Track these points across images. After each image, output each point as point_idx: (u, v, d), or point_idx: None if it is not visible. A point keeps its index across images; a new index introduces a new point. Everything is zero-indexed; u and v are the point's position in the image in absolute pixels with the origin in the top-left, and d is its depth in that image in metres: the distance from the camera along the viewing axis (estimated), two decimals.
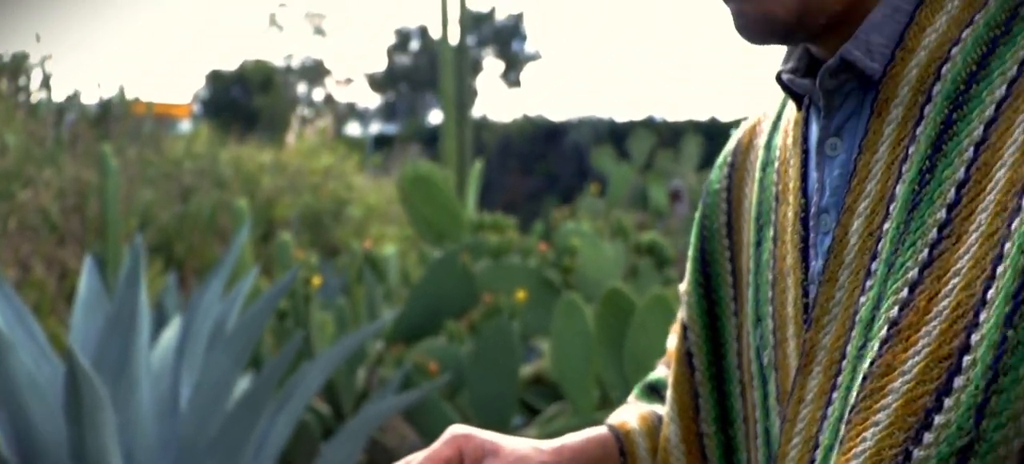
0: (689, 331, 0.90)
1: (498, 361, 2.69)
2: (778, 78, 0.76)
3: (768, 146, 0.84)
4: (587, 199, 7.23)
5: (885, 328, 0.62)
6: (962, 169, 0.62)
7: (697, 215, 0.92)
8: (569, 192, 20.75)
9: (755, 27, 0.70)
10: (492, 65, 31.51)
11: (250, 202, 6.86)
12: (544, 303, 2.84)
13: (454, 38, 6.85)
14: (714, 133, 21.05)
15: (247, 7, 48.74)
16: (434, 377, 2.79)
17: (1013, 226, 0.57)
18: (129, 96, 8.81)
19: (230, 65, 29.37)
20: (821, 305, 0.70)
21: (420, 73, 30.17)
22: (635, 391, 1.00)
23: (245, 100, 28.32)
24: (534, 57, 31.04)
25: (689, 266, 0.92)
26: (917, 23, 0.67)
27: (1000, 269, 0.57)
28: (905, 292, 0.62)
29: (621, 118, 23.84)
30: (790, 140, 0.79)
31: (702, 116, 23.66)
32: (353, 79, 33.60)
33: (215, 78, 29.64)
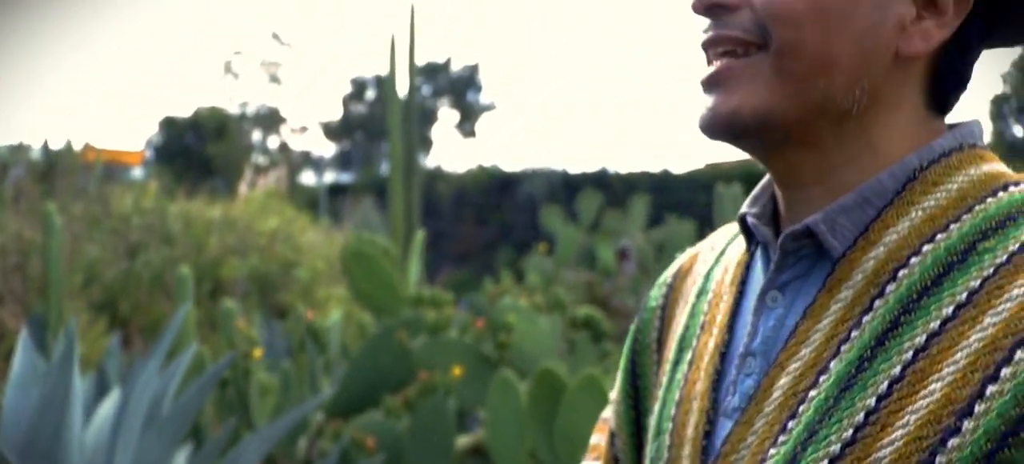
0: (616, 438, 0.96)
1: (434, 438, 2.74)
2: (742, 218, 0.83)
3: (707, 276, 0.91)
4: (535, 258, 7.32)
5: None
6: (899, 367, 0.68)
7: (632, 328, 0.99)
8: (523, 243, 20.75)
9: (719, 121, 0.75)
10: (447, 115, 31.71)
11: (197, 260, 6.83)
12: (481, 378, 2.89)
13: (403, 89, 6.92)
14: (664, 188, 21.31)
15: (202, 54, 48.57)
16: (371, 453, 2.82)
17: (949, 444, 0.63)
18: (78, 144, 8.75)
19: (184, 111, 29.10)
20: (731, 442, 0.75)
21: (375, 122, 30.26)
22: None
23: (199, 147, 28.10)
24: (489, 107, 31.33)
25: (620, 375, 0.98)
26: (882, 220, 0.74)
27: None
28: (827, 460, 0.67)
29: (574, 170, 24.02)
30: (729, 277, 0.86)
31: (655, 168, 23.90)
32: (308, 127, 33.56)
33: (169, 124, 29.41)
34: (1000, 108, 25.13)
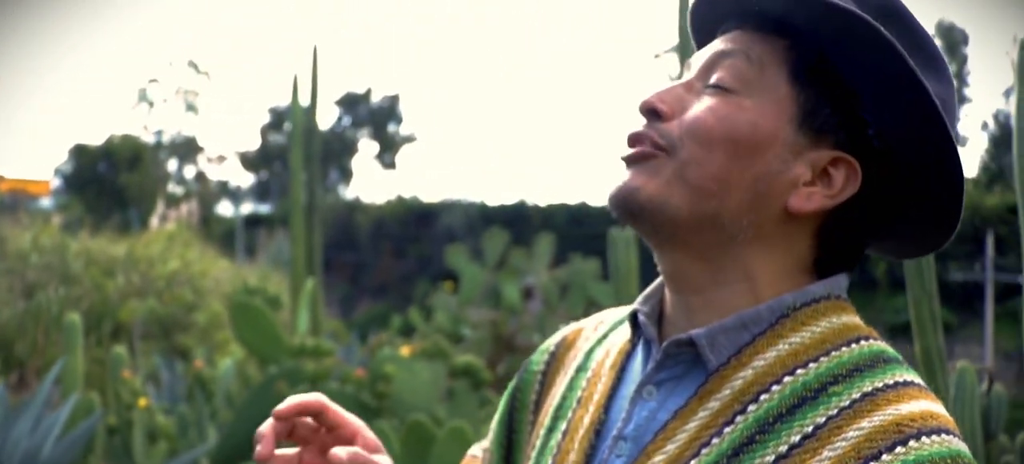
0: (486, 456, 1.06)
1: None
2: (633, 314, 0.93)
3: (588, 354, 1.01)
4: (442, 296, 7.42)
5: None
6: None
7: (511, 384, 1.07)
8: (441, 276, 20.78)
9: (620, 195, 0.87)
10: (367, 146, 31.60)
11: (97, 301, 6.77)
12: None
13: (306, 128, 6.93)
14: (581, 220, 21.58)
15: (115, 81, 47.55)
16: None
17: None
18: None
19: (95, 139, 28.31)
20: None
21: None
22: None
23: (111, 176, 27.37)
24: (409, 139, 31.30)
25: (495, 423, 1.07)
26: (755, 346, 0.84)
27: None
28: None
29: (493, 201, 24.18)
30: (609, 362, 0.96)
31: (573, 200, 24.19)
32: (226, 157, 33.10)
33: (79, 153, 28.55)
34: None
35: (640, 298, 0.95)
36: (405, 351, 3.27)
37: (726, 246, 0.86)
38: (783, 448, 0.79)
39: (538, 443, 0.98)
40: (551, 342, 1.07)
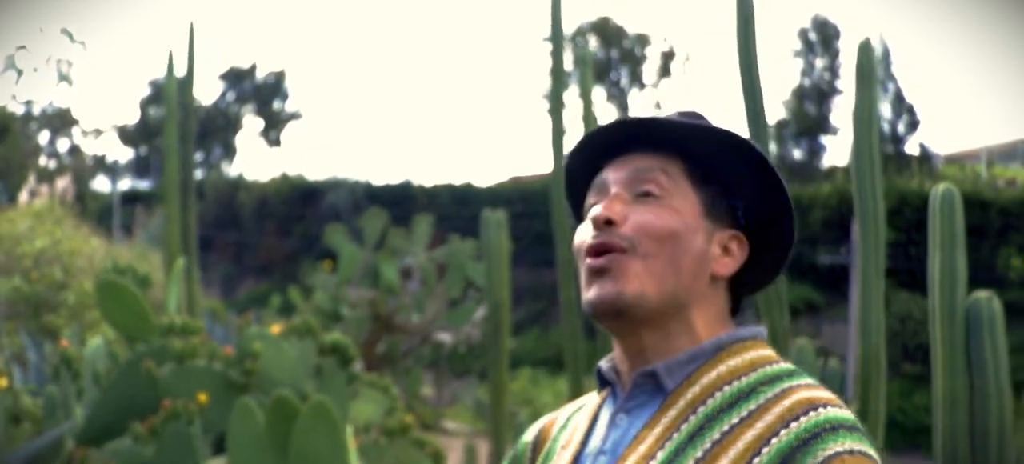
0: None
1: (178, 462, 2.89)
2: (598, 369, 1.24)
3: (570, 417, 1.31)
4: (320, 275, 7.45)
5: None
6: (700, 451, 1.09)
7: (509, 457, 1.38)
8: (326, 255, 20.58)
9: (607, 300, 1.14)
10: (252, 122, 30.97)
11: None
12: (229, 404, 3.06)
13: (173, 96, 6.84)
14: (466, 201, 21.68)
15: None
16: None
17: None
18: None
19: None
20: None
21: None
22: None
23: None
24: (295, 116, 30.81)
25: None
26: (700, 371, 1.15)
27: None
28: None
29: (378, 181, 24.00)
30: (584, 412, 1.26)
31: (457, 181, 24.27)
32: (103, 131, 31.95)
33: None
34: (781, 132, 27.05)
35: (603, 361, 1.25)
36: (275, 329, 3.35)
37: (679, 313, 1.17)
38: (726, 427, 1.10)
39: None
40: (540, 422, 1.38)
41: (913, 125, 24.84)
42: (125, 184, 30.06)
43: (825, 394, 1.12)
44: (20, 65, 29.32)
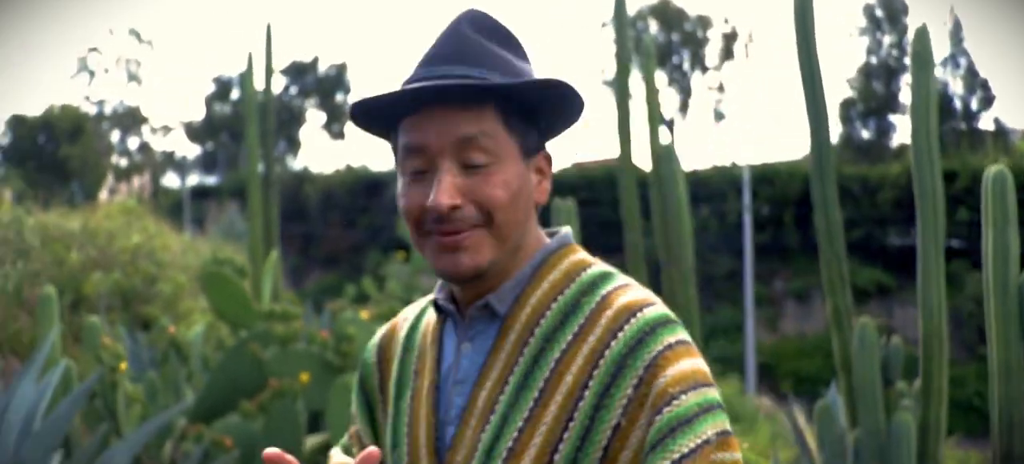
0: (359, 427, 1.43)
1: (284, 436, 3.20)
2: (435, 303, 1.32)
3: (408, 338, 1.38)
4: (394, 265, 7.75)
5: (504, 452, 1.19)
6: (547, 371, 1.20)
7: (356, 379, 1.47)
8: (391, 246, 20.82)
9: (465, 272, 1.20)
10: (314, 116, 31.56)
11: (57, 274, 7.02)
12: (327, 383, 3.37)
13: (261, 87, 7.15)
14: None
15: (54, 50, 46.67)
16: (230, 451, 3.26)
17: (579, 405, 1.17)
18: None
19: (34, 110, 27.63)
20: (457, 437, 1.24)
21: (241, 123, 29.86)
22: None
23: (52, 148, 26.92)
24: None
25: (356, 413, 1.45)
26: (525, 293, 1.25)
27: (571, 424, 1.17)
28: (516, 432, 1.19)
29: None
30: (429, 339, 1.34)
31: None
32: (171, 128, 32.81)
33: (17, 124, 27.96)
34: (848, 111, 26.75)
35: (435, 291, 1.32)
36: (364, 315, 3.64)
37: (515, 249, 1.25)
38: (563, 346, 1.21)
39: (391, 410, 1.35)
40: (376, 340, 1.44)
41: (988, 101, 24.38)
42: (192, 179, 30.90)
43: (639, 295, 1.23)
44: (92, 67, 30.42)
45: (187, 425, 3.62)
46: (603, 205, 18.83)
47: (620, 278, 1.27)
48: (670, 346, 1.17)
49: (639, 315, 1.20)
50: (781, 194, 20.62)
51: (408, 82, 1.24)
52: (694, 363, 1.19)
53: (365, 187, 24.68)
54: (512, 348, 1.24)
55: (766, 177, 20.95)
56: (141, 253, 6.18)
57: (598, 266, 1.28)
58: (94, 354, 3.74)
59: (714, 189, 21.29)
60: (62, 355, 4.90)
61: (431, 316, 1.36)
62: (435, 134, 1.20)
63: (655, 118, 5.67)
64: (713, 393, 1.19)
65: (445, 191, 1.18)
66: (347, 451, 1.45)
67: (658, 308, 1.22)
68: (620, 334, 1.19)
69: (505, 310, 1.25)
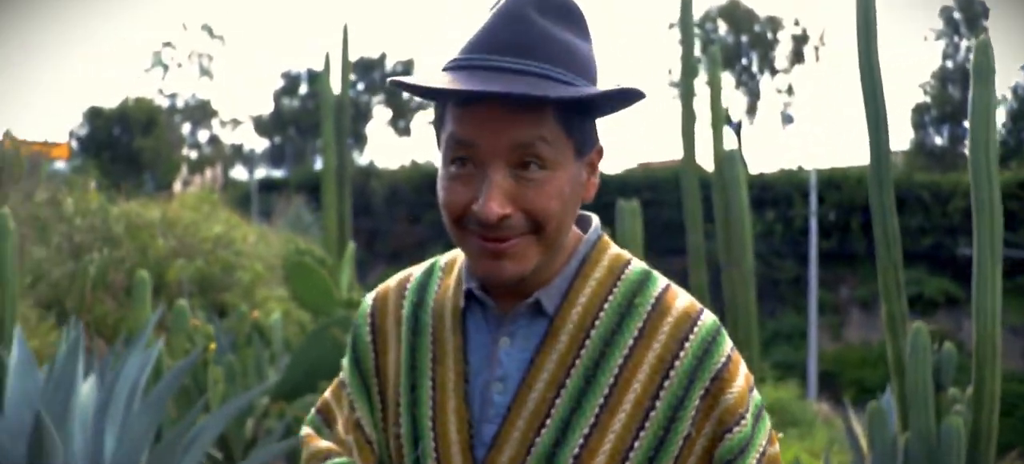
0: (360, 414, 1.32)
1: None
2: (469, 292, 1.23)
3: (415, 318, 1.28)
4: None
5: (570, 458, 1.14)
6: (611, 377, 1.17)
7: (349, 352, 1.36)
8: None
9: (507, 278, 1.12)
10: (381, 112, 32.02)
11: (141, 260, 7.43)
12: None
13: (337, 86, 7.44)
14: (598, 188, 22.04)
15: (130, 44, 48.05)
16: None
17: (650, 415, 1.15)
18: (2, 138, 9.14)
19: (109, 102, 28.46)
20: (500, 437, 1.18)
21: (308, 117, 30.41)
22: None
23: (126, 140, 27.66)
24: (424, 105, 31.72)
25: (350, 381, 1.34)
26: (573, 289, 1.20)
27: (642, 434, 1.15)
28: (582, 437, 1.14)
29: None
30: (449, 326, 1.24)
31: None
32: (240, 121, 33.54)
33: (94, 116, 28.83)
34: (921, 117, 26.37)
35: (466, 278, 1.23)
36: None
37: (558, 248, 1.18)
38: (625, 352, 1.18)
39: (403, 400, 1.25)
40: (364, 313, 1.34)
41: None
42: (259, 173, 31.61)
43: (687, 298, 1.22)
44: (165, 60, 31.33)
45: (269, 403, 3.91)
46: (667, 206, 18.88)
47: (659, 276, 1.25)
48: (730, 357, 1.20)
49: (699, 323, 1.20)
50: (848, 199, 20.48)
51: (460, 66, 1.12)
52: (744, 370, 1.22)
53: (430, 184, 24.92)
54: (566, 349, 1.18)
55: (833, 182, 20.82)
56: (221, 242, 6.54)
57: (636, 263, 1.25)
58: (185, 335, 4.05)
59: (780, 193, 21.22)
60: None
61: (444, 297, 1.27)
62: (489, 134, 1.09)
63: (719, 123, 5.82)
64: (757, 395, 1.24)
65: (495, 199, 1.08)
66: (318, 430, 1.38)
67: (708, 314, 1.23)
68: (687, 344, 1.18)
69: (553, 308, 1.19)
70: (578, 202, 1.17)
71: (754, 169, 23.36)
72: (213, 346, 3.92)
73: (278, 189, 27.39)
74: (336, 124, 6.77)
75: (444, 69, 1.13)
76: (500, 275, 1.13)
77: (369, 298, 1.35)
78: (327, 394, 1.40)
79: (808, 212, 19.62)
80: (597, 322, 1.19)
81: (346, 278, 4.46)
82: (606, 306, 1.20)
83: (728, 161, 5.09)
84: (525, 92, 1.05)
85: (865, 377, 17.47)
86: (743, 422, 1.18)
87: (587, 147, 1.16)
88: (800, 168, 22.31)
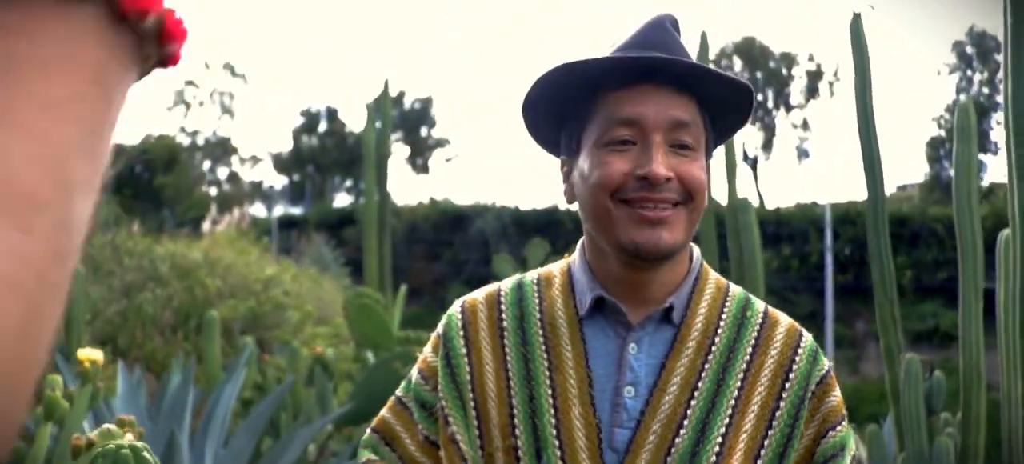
0: (455, 428, 1.32)
1: None
2: (599, 299, 1.29)
3: (521, 329, 1.32)
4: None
5: (713, 456, 1.22)
6: (738, 381, 1.27)
7: (441, 355, 1.37)
8: (474, 279, 21.25)
9: (664, 249, 1.23)
10: (399, 150, 32.59)
11: (188, 299, 8.04)
12: None
13: (376, 125, 7.98)
14: None
15: (152, 81, 48.82)
16: None
17: (776, 414, 1.27)
18: None
19: (132, 140, 29.00)
20: (636, 442, 1.23)
21: (327, 155, 30.91)
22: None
23: (147, 177, 28.10)
24: (442, 143, 32.29)
25: (443, 381, 1.35)
26: (694, 302, 1.31)
27: (771, 432, 1.26)
28: (720, 437, 1.23)
29: (525, 206, 24.88)
30: (565, 331, 1.30)
31: None
32: (260, 158, 34.13)
33: (116, 153, 29.21)
34: (936, 151, 26.80)
35: (589, 287, 1.31)
36: None
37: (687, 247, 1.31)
38: (747, 356, 1.29)
39: (521, 411, 1.28)
40: (456, 324, 1.38)
41: None
42: (279, 210, 32.19)
43: (789, 318, 1.36)
44: (188, 98, 32.08)
45: (333, 430, 4.47)
46: None
47: (759, 300, 1.40)
48: (830, 367, 1.35)
49: (805, 335, 1.36)
50: (863, 234, 20.79)
51: (631, 59, 1.25)
52: (836, 384, 1.36)
53: (449, 221, 25.20)
54: (694, 355, 1.28)
55: (849, 217, 21.24)
56: (272, 283, 7.13)
57: (732, 284, 1.40)
58: (259, 369, 4.62)
59: (796, 228, 21.67)
60: (199, 372, 5.82)
61: (553, 307, 1.34)
62: (653, 109, 1.23)
63: (733, 168, 6.36)
64: (844, 407, 1.37)
65: (661, 162, 1.22)
66: (375, 448, 1.43)
67: (807, 332, 1.38)
68: (800, 351, 1.32)
69: (679, 317, 1.30)
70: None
71: (770, 204, 23.74)
72: (281, 377, 4.50)
73: (297, 226, 27.95)
74: (378, 174, 7.36)
75: (625, 57, 1.26)
76: (658, 243, 1.23)
77: (457, 310, 1.40)
78: (384, 413, 1.44)
79: (823, 247, 20.05)
80: (719, 331, 1.31)
81: (398, 316, 5.01)
82: (723, 317, 1.32)
83: (742, 207, 5.65)
84: (702, 65, 1.24)
85: (883, 410, 17.77)
86: (842, 425, 1.32)
87: (711, 148, 1.32)
88: (814, 203, 22.73)
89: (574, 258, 1.36)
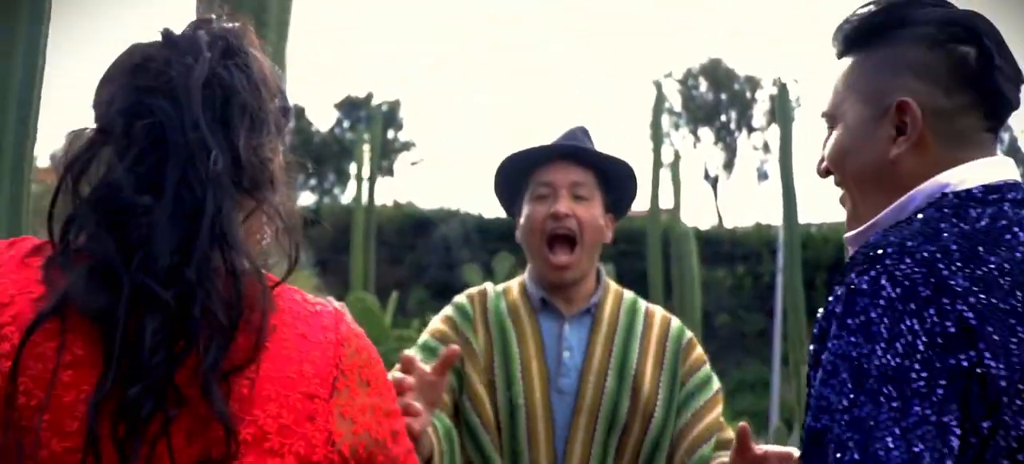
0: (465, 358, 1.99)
1: None
2: (543, 299, 2.03)
3: (498, 316, 2.03)
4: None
5: (627, 399, 1.97)
6: (637, 347, 2.02)
7: (459, 320, 2.06)
8: (436, 284, 21.22)
9: (569, 278, 2.02)
10: (365, 151, 32.47)
11: None
12: None
13: (365, 137, 8.80)
14: None
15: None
16: None
17: (663, 363, 2.05)
18: None
19: None
20: (582, 385, 1.98)
21: (294, 154, 30.62)
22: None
23: None
24: (408, 146, 32.40)
25: (471, 334, 2.03)
26: (602, 302, 2.08)
27: (661, 376, 2.04)
28: (632, 380, 1.99)
29: (490, 214, 24.58)
30: (525, 318, 2.03)
31: None
32: None
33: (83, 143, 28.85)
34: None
35: (535, 292, 2.05)
36: None
37: (592, 270, 2.10)
38: (639, 332, 2.03)
39: (499, 361, 1.99)
40: (470, 307, 2.06)
41: None
42: None
43: (663, 310, 2.12)
44: None
45: None
46: (638, 258, 19.94)
47: (640, 298, 2.13)
48: (692, 336, 2.06)
49: (673, 319, 2.09)
50: (813, 258, 21.83)
51: (547, 148, 2.04)
52: (699, 346, 2.05)
53: (413, 225, 24.61)
54: (607, 333, 2.00)
55: (802, 240, 21.94)
56: None
57: (626, 291, 2.12)
58: None
59: (751, 248, 22.64)
60: None
61: (516, 303, 2.04)
62: (561, 176, 1.99)
63: (677, 204, 7.37)
64: (709, 366, 2.06)
65: (564, 204, 1.96)
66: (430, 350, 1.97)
67: (674, 317, 2.14)
68: (671, 327, 2.05)
69: (595, 311, 2.03)
70: (602, 241, 2.05)
71: (729, 223, 24.60)
72: None
73: None
74: (369, 187, 8.26)
75: (541, 148, 2.06)
76: (563, 276, 1.99)
77: (465, 299, 2.10)
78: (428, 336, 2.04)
79: (775, 268, 20.96)
80: (619, 319, 2.04)
81: (391, 314, 5.95)
82: (621, 311, 2.06)
83: (683, 237, 6.68)
84: (587, 148, 2.02)
85: None
86: (706, 366, 2.04)
87: (606, 204, 2.04)
88: (765, 224, 23.66)
89: (525, 275, 2.10)
